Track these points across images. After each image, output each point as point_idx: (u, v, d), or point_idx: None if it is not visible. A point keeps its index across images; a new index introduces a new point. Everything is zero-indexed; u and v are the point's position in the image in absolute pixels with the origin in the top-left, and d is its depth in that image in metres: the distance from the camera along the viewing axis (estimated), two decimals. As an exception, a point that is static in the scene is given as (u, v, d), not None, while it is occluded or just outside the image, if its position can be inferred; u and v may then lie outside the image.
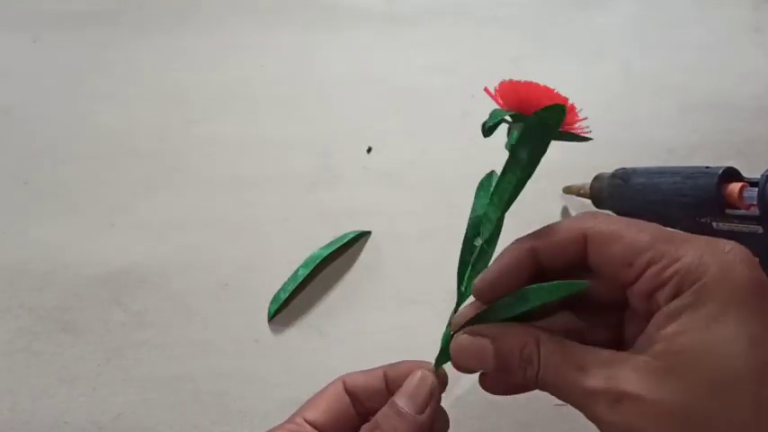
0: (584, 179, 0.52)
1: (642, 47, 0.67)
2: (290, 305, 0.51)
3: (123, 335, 0.50)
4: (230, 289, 0.52)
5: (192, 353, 0.49)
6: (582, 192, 0.52)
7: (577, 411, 0.28)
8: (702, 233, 0.43)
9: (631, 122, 0.61)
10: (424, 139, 0.60)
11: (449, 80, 0.65)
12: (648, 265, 0.27)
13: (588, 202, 0.52)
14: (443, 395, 0.33)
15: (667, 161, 0.58)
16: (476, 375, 0.32)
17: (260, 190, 0.58)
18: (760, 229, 0.41)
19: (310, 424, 0.32)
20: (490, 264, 0.31)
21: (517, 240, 0.30)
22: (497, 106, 0.31)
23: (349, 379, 0.34)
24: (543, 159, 0.31)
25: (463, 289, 0.33)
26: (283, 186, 0.58)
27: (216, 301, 0.52)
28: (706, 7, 0.70)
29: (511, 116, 0.30)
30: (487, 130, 0.31)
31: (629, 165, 0.49)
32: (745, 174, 0.43)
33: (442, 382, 0.33)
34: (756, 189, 0.41)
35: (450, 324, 0.32)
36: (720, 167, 0.43)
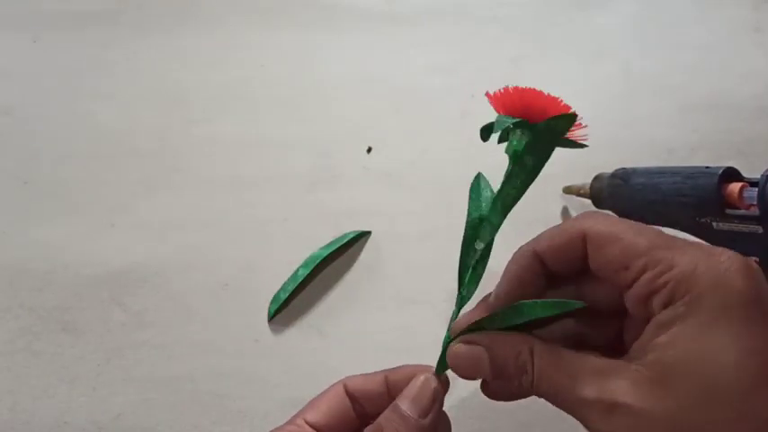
0: (585, 179, 0.52)
1: (642, 47, 0.67)
2: (290, 305, 0.51)
3: (123, 335, 0.50)
4: (230, 289, 0.52)
5: (192, 353, 0.49)
6: (582, 192, 0.52)
7: (577, 412, 0.28)
8: (702, 233, 0.44)
9: (631, 122, 0.61)
10: (424, 139, 0.60)
11: (449, 80, 0.65)
12: (644, 269, 0.27)
13: (588, 202, 0.52)
14: (444, 396, 0.33)
15: (667, 161, 0.58)
16: (475, 376, 0.32)
17: (260, 190, 0.58)
18: (760, 229, 0.41)
19: (311, 425, 0.32)
20: (501, 277, 0.31)
21: (520, 249, 0.30)
22: (494, 107, 0.31)
23: (350, 382, 0.34)
24: (543, 160, 0.31)
25: (464, 292, 0.33)
26: (283, 186, 0.58)
27: (216, 301, 0.52)
28: (706, 7, 0.70)
29: (516, 123, 0.31)
30: (488, 135, 0.31)
31: (629, 165, 0.49)
32: (745, 174, 0.43)
33: (444, 386, 0.33)
34: (756, 189, 0.40)
35: (450, 329, 0.32)
36: (720, 167, 0.42)
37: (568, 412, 0.28)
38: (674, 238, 0.27)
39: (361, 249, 0.54)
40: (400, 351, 0.48)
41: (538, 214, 0.51)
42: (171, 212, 0.56)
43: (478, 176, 0.35)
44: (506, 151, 0.32)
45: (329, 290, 0.52)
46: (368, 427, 0.31)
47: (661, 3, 0.71)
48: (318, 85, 0.65)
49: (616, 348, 0.28)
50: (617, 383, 0.26)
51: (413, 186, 0.58)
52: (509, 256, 0.31)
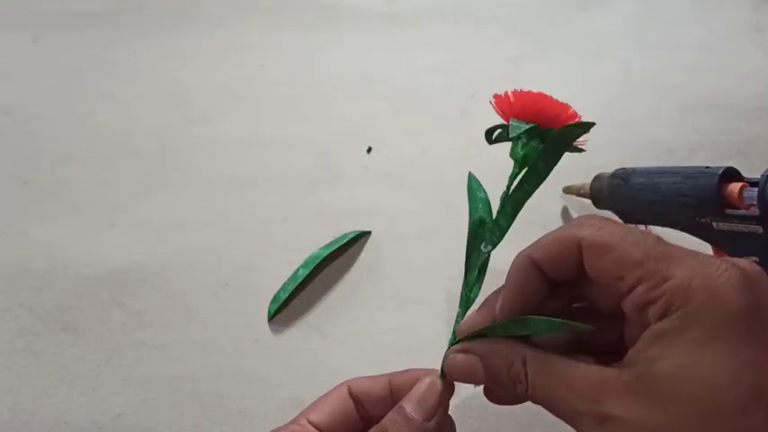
0: (584, 179, 0.52)
1: (642, 47, 0.67)
2: (290, 305, 0.51)
3: (123, 335, 0.50)
4: (230, 289, 0.52)
5: (192, 353, 0.49)
6: (582, 192, 0.52)
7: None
8: (702, 233, 0.44)
9: (631, 122, 0.61)
10: (424, 139, 0.60)
11: (449, 80, 0.65)
12: (638, 281, 0.26)
13: (588, 202, 0.52)
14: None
15: (667, 161, 0.58)
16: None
17: (260, 190, 0.58)
18: (760, 229, 0.41)
19: (314, 425, 0.32)
20: (504, 288, 0.31)
21: (519, 256, 0.30)
22: (497, 111, 0.31)
23: (354, 383, 0.34)
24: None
25: (471, 294, 0.33)
26: (283, 186, 0.58)
27: (216, 301, 0.52)
28: (706, 7, 0.70)
29: (528, 129, 0.30)
30: (494, 139, 0.31)
31: (629, 165, 0.49)
32: (745, 174, 0.43)
33: (449, 389, 0.33)
34: (756, 189, 0.40)
35: (454, 332, 0.32)
36: (720, 167, 0.42)
37: (563, 420, 0.28)
38: (670, 247, 0.27)
39: (361, 249, 0.54)
40: (400, 351, 0.48)
41: (538, 214, 0.51)
42: (171, 212, 0.56)
43: (469, 177, 0.35)
44: (513, 155, 0.32)
45: (329, 290, 0.52)
46: (372, 429, 0.31)
47: (661, 3, 0.71)
48: (318, 85, 0.65)
49: (617, 349, 0.28)
50: (609, 395, 0.26)
51: (413, 186, 0.58)
52: (509, 255, 0.31)
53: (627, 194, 0.48)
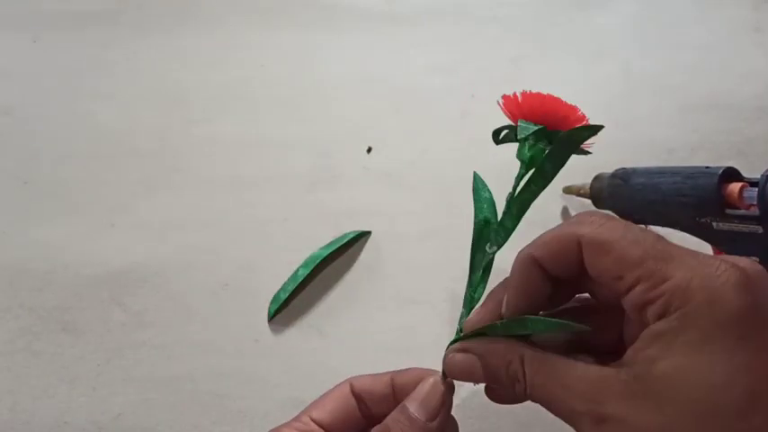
0: (585, 179, 0.52)
1: (642, 47, 0.67)
2: (290, 305, 0.51)
3: (123, 335, 0.50)
4: (230, 289, 0.52)
5: (192, 353, 0.49)
6: (582, 192, 0.52)
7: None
8: (702, 233, 0.44)
9: (631, 122, 0.61)
10: (424, 139, 0.60)
11: (449, 80, 0.65)
12: (637, 281, 0.26)
13: (588, 202, 0.52)
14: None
15: (667, 161, 0.58)
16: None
17: (260, 190, 0.58)
18: (760, 229, 0.41)
19: (316, 423, 0.32)
20: (507, 287, 0.31)
21: (520, 254, 0.30)
22: (504, 112, 0.31)
23: (356, 382, 0.34)
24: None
25: (475, 294, 0.33)
26: (283, 186, 0.58)
27: (216, 301, 0.52)
28: (706, 7, 0.70)
29: (537, 131, 0.30)
30: (501, 139, 0.31)
31: (629, 165, 0.49)
32: (745, 174, 0.43)
33: (450, 389, 0.32)
34: (756, 189, 0.40)
35: (459, 331, 0.32)
36: (720, 167, 0.42)
37: (562, 419, 0.28)
38: (670, 246, 0.27)
39: (361, 249, 0.54)
40: (400, 351, 0.48)
41: (538, 214, 0.51)
42: (171, 212, 0.56)
43: (474, 177, 0.35)
44: (519, 156, 0.32)
45: (329, 290, 0.52)
46: (375, 428, 0.31)
47: (661, 3, 0.71)
48: (318, 85, 0.65)
49: (617, 349, 0.28)
50: (606, 395, 0.26)
51: (413, 186, 0.58)
52: (509, 255, 0.31)
53: (627, 194, 0.48)
